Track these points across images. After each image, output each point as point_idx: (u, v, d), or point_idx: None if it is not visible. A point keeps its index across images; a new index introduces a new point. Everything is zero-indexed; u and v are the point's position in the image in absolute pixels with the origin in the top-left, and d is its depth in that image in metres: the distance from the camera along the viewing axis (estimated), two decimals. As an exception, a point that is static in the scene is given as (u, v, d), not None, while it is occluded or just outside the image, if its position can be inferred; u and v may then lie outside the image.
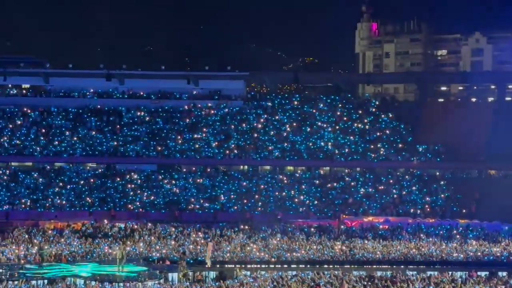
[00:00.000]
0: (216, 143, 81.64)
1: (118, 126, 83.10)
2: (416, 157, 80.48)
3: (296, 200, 76.19)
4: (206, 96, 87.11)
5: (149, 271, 49.09)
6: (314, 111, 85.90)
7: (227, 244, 58.00)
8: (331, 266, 52.55)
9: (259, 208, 74.83)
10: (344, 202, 76.19)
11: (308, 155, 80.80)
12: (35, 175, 78.18)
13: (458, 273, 50.83)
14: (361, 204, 75.64)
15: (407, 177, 79.54)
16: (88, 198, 75.56)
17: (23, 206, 74.32)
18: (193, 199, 76.24)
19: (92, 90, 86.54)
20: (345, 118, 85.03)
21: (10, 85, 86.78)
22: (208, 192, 77.25)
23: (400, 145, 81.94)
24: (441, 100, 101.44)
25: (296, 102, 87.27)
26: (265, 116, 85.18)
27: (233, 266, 52.85)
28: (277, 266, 53.16)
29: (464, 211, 74.35)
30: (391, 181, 79.04)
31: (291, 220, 69.25)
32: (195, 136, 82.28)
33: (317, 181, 79.17)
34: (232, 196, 76.74)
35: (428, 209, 75.07)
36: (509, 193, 71.89)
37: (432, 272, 50.05)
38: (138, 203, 75.39)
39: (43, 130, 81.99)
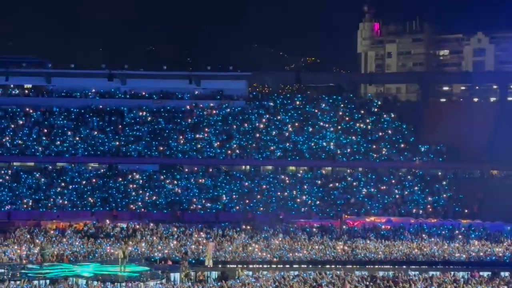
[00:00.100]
0: (218, 143, 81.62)
1: (120, 126, 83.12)
2: (418, 157, 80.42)
3: (298, 200, 76.14)
4: (208, 96, 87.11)
5: (151, 271, 49.08)
6: (316, 111, 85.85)
7: (229, 244, 57.97)
8: (333, 266, 52.52)
9: (261, 208, 74.79)
10: (346, 202, 76.14)
11: (310, 155, 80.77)
12: (37, 175, 78.19)
13: (460, 273, 50.76)
14: (363, 204, 75.59)
15: (409, 177, 79.47)
16: (90, 198, 75.56)
17: (25, 206, 74.35)
18: (195, 199, 76.22)
19: (94, 90, 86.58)
20: (347, 118, 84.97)
21: (12, 85, 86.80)
22: (210, 192, 77.22)
23: (402, 145, 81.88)
24: (443, 100, 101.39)
25: (298, 102, 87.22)
26: (267, 116, 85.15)
27: (235, 266, 52.82)
28: (279, 266, 53.14)
29: (466, 211, 74.25)
30: (393, 181, 78.98)
31: (293, 220, 69.20)
32: (197, 136, 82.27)
33: (319, 181, 79.12)
34: (234, 196, 76.71)
35: (430, 209, 74.99)
36: (512, 193, 72.01)
37: (434, 272, 49.99)
38: (140, 203, 75.38)
39: (45, 130, 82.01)
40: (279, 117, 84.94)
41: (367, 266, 53.39)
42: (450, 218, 70.98)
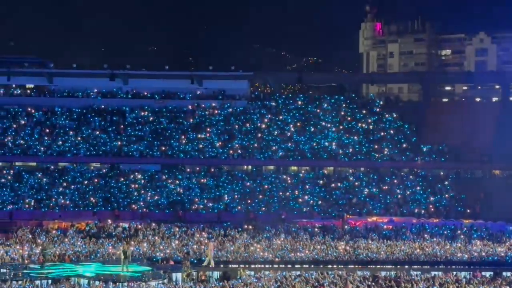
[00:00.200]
0: (220, 143, 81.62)
1: (122, 126, 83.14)
2: (420, 157, 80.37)
3: (300, 200, 76.12)
4: (210, 96, 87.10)
5: (153, 271, 49.05)
6: (318, 111, 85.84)
7: (231, 244, 57.95)
8: (335, 266, 52.47)
9: (263, 208, 74.80)
10: (348, 202, 76.12)
11: (312, 155, 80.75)
12: (39, 175, 78.22)
13: (462, 273, 50.67)
14: (365, 204, 75.56)
15: (411, 177, 79.41)
16: (92, 198, 75.59)
17: (27, 206, 74.38)
18: (197, 199, 76.22)
19: (96, 90, 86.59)
20: (349, 118, 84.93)
21: (14, 85, 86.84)
22: (212, 192, 77.22)
23: (404, 145, 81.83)
24: (445, 100, 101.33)
25: (300, 102, 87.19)
26: (269, 116, 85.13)
27: (237, 266, 52.79)
28: (281, 266, 53.07)
29: (468, 211, 74.23)
30: (395, 181, 78.94)
31: (295, 220, 69.16)
32: (199, 136, 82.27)
33: (321, 181, 79.10)
34: (236, 196, 76.71)
35: (432, 209, 74.94)
36: (514, 193, 71.98)
37: (436, 272, 49.90)
38: (142, 203, 75.39)
39: (47, 130, 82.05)
40: (281, 117, 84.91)
41: (369, 266, 53.31)
42: (452, 218, 70.92)
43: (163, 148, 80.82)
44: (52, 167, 79.62)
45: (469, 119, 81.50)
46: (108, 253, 55.22)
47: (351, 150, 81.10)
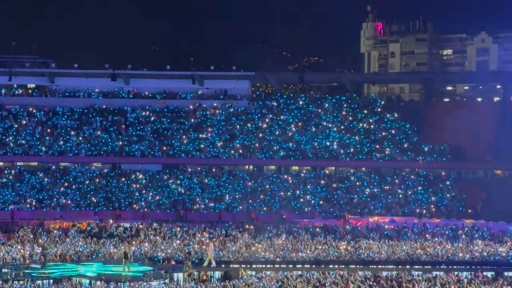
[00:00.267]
0: (221, 143, 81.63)
1: (123, 126, 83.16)
2: (421, 157, 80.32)
3: (301, 200, 76.13)
4: (212, 96, 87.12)
5: (154, 271, 49.05)
6: (319, 111, 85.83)
7: (232, 244, 57.95)
8: (336, 266, 52.46)
9: (264, 208, 74.80)
10: (350, 202, 76.10)
11: (313, 155, 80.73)
12: (41, 174, 78.26)
13: (464, 273, 50.63)
14: (366, 204, 75.54)
15: (412, 177, 79.39)
16: (93, 198, 75.61)
17: (28, 206, 74.40)
18: (198, 199, 76.24)
19: (97, 90, 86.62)
20: (350, 118, 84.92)
21: (15, 85, 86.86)
22: (213, 192, 77.24)
23: (406, 145, 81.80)
24: (446, 100, 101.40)
25: (301, 102, 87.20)
26: (270, 116, 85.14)
27: (238, 266, 52.78)
28: (282, 266, 53.04)
29: (470, 211, 74.19)
30: (397, 181, 78.93)
31: (296, 220, 69.18)
32: (200, 136, 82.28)
33: (323, 181, 79.10)
34: (237, 196, 76.73)
35: (434, 209, 74.92)
36: (515, 193, 71.95)
37: (437, 272, 49.88)
38: (143, 203, 75.40)
39: (49, 130, 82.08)
40: (282, 117, 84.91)
41: (370, 266, 53.28)
42: (454, 218, 70.89)
43: (165, 148, 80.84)
44: (54, 167, 79.67)
45: (471, 119, 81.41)
46: (110, 253, 55.23)
47: (352, 150, 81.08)
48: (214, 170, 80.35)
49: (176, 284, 46.38)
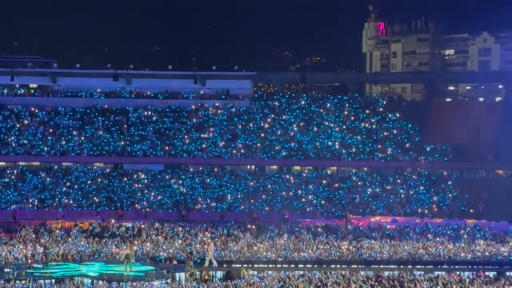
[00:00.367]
0: (223, 142, 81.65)
1: (125, 126, 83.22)
2: (423, 157, 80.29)
3: (303, 199, 76.13)
4: (213, 95, 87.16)
5: (156, 271, 49.08)
6: (321, 110, 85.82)
7: (234, 243, 57.96)
8: (338, 266, 52.45)
9: (266, 208, 74.82)
10: (351, 202, 76.10)
11: (315, 154, 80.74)
12: (43, 174, 78.33)
13: (466, 273, 50.61)
14: (368, 204, 75.53)
15: (414, 177, 79.36)
16: (95, 198, 75.66)
17: (30, 205, 74.48)
18: (200, 199, 76.26)
19: (99, 90, 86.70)
20: (352, 118, 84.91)
21: (17, 85, 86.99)
22: (215, 192, 77.26)
23: (408, 145, 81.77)
24: (448, 99, 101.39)
25: (303, 102, 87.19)
26: (272, 115, 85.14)
27: (240, 265, 52.77)
28: (284, 266, 53.03)
29: (471, 211, 74.11)
30: (399, 181, 78.90)
31: (298, 220, 69.18)
32: (202, 135, 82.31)
33: (324, 181, 79.10)
34: (239, 195, 76.74)
35: (436, 209, 74.89)
36: (517, 193, 71.90)
37: (439, 272, 49.86)
38: (145, 203, 75.45)
39: (51, 130, 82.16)
40: (284, 117, 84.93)
41: (372, 266, 53.24)
42: (456, 218, 70.81)
43: (167, 148, 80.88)
44: (56, 166, 79.73)
45: (473, 119, 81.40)
46: (112, 253, 55.24)
47: (354, 150, 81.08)
48: (216, 170, 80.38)
49: (178, 284, 46.39)
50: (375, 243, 59.11)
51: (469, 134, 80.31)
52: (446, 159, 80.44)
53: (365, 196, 76.68)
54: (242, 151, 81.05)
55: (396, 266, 53.32)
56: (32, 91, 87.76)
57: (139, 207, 74.93)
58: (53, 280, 45.85)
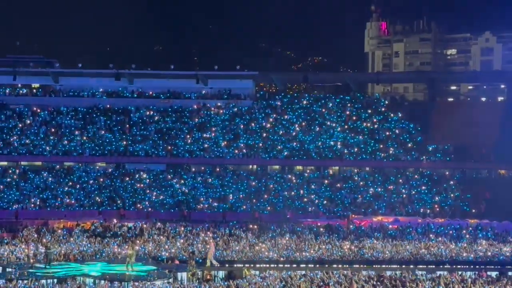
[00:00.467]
0: (225, 142, 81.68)
1: (127, 126, 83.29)
2: (425, 156, 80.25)
3: (305, 199, 76.12)
4: (215, 95, 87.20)
5: (158, 271, 49.08)
6: (323, 110, 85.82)
7: (236, 243, 57.96)
8: (340, 266, 52.43)
9: (268, 208, 74.81)
10: (353, 201, 76.07)
11: (317, 154, 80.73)
12: (45, 174, 78.39)
13: (468, 273, 50.56)
14: (370, 204, 75.50)
15: (416, 176, 79.33)
16: (97, 198, 75.70)
17: (32, 205, 74.52)
18: (202, 199, 76.28)
19: (101, 90, 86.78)
20: (354, 118, 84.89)
21: (19, 85, 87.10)
22: (217, 192, 77.26)
23: (410, 145, 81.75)
24: (450, 99, 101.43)
25: (305, 102, 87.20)
26: (274, 115, 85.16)
27: (241, 265, 52.76)
28: (286, 265, 53.04)
29: (473, 210, 74.09)
30: (401, 180, 78.86)
31: (300, 220, 69.14)
32: (204, 135, 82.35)
33: (326, 181, 79.09)
34: (241, 195, 76.75)
35: (438, 209, 74.83)
36: (519, 192, 71.86)
37: (441, 272, 49.83)
38: (147, 203, 75.47)
39: (53, 130, 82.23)
40: (286, 117, 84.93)
41: (374, 266, 53.24)
42: (458, 217, 70.79)
43: (169, 148, 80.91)
44: (58, 166, 79.81)
45: (475, 118, 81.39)
46: (114, 253, 55.25)
47: (356, 149, 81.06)
48: (218, 169, 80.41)
49: (180, 283, 46.36)
50: (377, 243, 59.08)
51: (471, 133, 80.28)
52: (448, 158, 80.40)
53: (367, 196, 76.65)
54: (244, 150, 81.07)
55: (398, 266, 53.31)
56: (34, 90, 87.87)
57: (141, 207, 74.96)
58: (55, 280, 45.84)
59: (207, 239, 58.11)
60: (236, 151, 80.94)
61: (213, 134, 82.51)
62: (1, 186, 76.04)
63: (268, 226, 64.44)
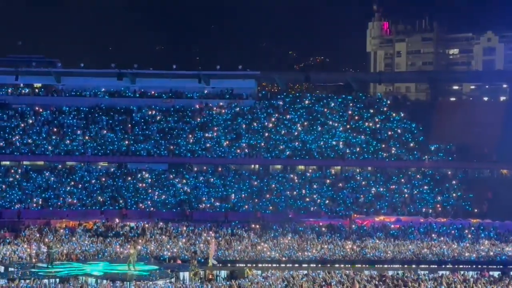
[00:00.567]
0: (227, 142, 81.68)
1: (129, 125, 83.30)
2: (427, 156, 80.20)
3: (307, 199, 76.09)
4: (217, 95, 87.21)
5: (160, 270, 49.12)
6: (325, 110, 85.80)
7: (238, 243, 57.99)
8: (342, 266, 52.49)
9: (270, 207, 74.78)
10: (355, 201, 76.04)
11: (319, 154, 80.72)
12: (47, 174, 78.39)
13: (470, 272, 50.62)
14: (372, 204, 75.47)
15: (418, 176, 79.28)
16: (99, 197, 75.71)
17: (34, 205, 74.52)
18: (204, 198, 76.26)
19: (103, 89, 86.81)
20: (356, 117, 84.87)
21: (22, 85, 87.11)
22: (219, 191, 77.25)
23: (412, 144, 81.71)
24: (453, 99, 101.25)
25: (307, 101, 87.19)
26: (276, 115, 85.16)
27: (244, 265, 52.80)
28: (288, 265, 53.08)
29: (476, 210, 74.05)
30: (403, 180, 78.82)
31: (302, 220, 69.17)
32: (206, 135, 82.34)
33: (328, 180, 79.06)
34: (243, 195, 76.73)
35: (440, 209, 74.78)
36: (521, 192, 71.80)
37: (443, 271, 49.86)
38: (149, 202, 75.46)
39: (55, 129, 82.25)
40: (288, 116, 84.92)
41: (376, 266, 53.32)
42: (460, 217, 70.81)
43: (171, 147, 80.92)
44: (60, 166, 79.81)
45: (477, 118, 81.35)
46: (116, 252, 55.29)
47: (358, 149, 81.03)
48: (220, 169, 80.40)
49: (182, 283, 46.43)
50: (379, 242, 59.15)
51: (473, 133, 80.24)
52: (450, 158, 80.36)
53: (369, 196, 76.62)
54: (246, 150, 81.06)
55: (400, 266, 53.38)
56: (37, 90, 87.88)
57: (143, 207, 74.96)
58: (58, 280, 45.91)
59: (209, 239, 58.18)
60: (238, 151, 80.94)
61: (215, 134, 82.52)
62: (4, 186, 76.06)
63: (270, 226, 64.52)
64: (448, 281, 43.87)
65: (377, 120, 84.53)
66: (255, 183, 78.28)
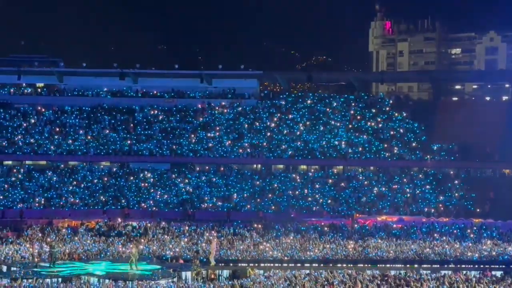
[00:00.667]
0: (229, 141, 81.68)
1: (131, 125, 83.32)
2: (430, 156, 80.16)
3: (310, 199, 76.09)
4: (220, 94, 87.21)
5: (162, 270, 49.15)
6: (327, 109, 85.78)
7: (240, 243, 58.01)
8: (344, 265, 52.51)
9: (272, 207, 74.77)
10: (358, 201, 76.03)
11: (321, 154, 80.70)
12: (49, 173, 78.44)
13: (472, 272, 50.61)
14: (374, 203, 75.45)
15: (421, 176, 79.26)
16: (101, 197, 75.74)
17: (37, 204, 74.56)
18: (206, 198, 76.28)
19: (105, 89, 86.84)
20: (358, 117, 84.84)
21: (24, 84, 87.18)
22: (221, 191, 77.26)
23: (414, 144, 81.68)
24: (455, 98, 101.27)
25: (309, 101, 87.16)
26: (278, 115, 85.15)
27: (246, 265, 52.82)
28: (290, 265, 53.10)
29: (478, 210, 73.99)
30: (405, 180, 78.79)
31: (305, 219, 69.16)
32: (209, 134, 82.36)
33: (331, 180, 79.05)
34: (245, 195, 76.73)
35: (442, 208, 74.76)
36: (524, 192, 71.74)
37: (446, 271, 49.85)
38: (151, 202, 75.48)
39: (57, 129, 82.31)
40: (290, 116, 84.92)
41: (378, 265, 53.31)
42: (462, 217, 70.78)
43: (173, 147, 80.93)
44: (62, 165, 79.84)
45: (479, 118, 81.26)
46: (118, 252, 55.32)
47: (360, 149, 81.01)
48: (222, 169, 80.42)
49: (184, 282, 46.44)
50: (382, 242, 59.15)
51: (475, 133, 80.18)
52: (452, 158, 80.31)
53: (371, 195, 76.60)
54: (248, 150, 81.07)
55: (403, 265, 53.36)
56: (39, 90, 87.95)
57: (145, 206, 74.98)
58: (60, 279, 45.95)
59: (211, 238, 58.23)
60: (241, 151, 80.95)
61: (217, 134, 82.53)
62: (6, 186, 76.11)
63: (272, 226, 64.53)
64: (450, 281, 43.84)
65: (379, 119, 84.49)
66: (257, 182, 78.29)
